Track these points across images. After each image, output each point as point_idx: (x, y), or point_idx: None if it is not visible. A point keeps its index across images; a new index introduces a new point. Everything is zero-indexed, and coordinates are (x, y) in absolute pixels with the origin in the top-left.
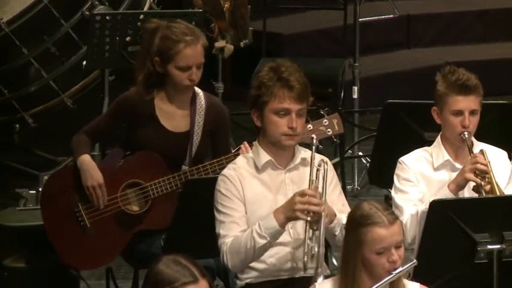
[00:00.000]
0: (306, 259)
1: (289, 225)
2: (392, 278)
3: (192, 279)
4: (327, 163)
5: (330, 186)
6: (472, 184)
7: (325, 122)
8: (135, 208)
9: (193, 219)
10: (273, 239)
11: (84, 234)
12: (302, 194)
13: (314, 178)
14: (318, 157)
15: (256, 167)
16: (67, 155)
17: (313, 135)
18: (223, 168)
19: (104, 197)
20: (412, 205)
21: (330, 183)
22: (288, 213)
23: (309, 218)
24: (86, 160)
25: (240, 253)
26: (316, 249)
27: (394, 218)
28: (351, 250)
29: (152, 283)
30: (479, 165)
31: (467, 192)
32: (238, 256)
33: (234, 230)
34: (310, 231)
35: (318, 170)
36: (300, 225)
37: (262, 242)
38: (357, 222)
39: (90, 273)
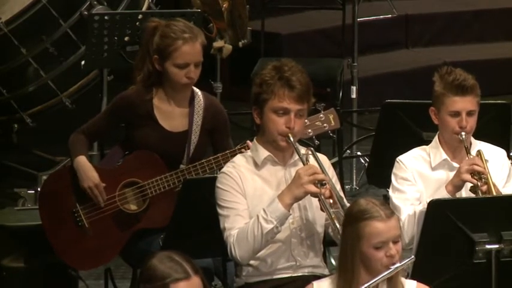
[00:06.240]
0: (338, 225)
1: (290, 220)
2: (390, 273)
3: (185, 276)
4: (313, 151)
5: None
6: (469, 185)
7: (322, 117)
8: (133, 207)
9: (191, 218)
10: (280, 223)
11: (83, 234)
12: (306, 168)
13: (305, 160)
14: (303, 148)
15: (255, 164)
16: (65, 155)
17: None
18: (220, 166)
19: (102, 195)
20: (410, 205)
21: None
22: (296, 191)
23: (319, 190)
24: (82, 161)
25: (248, 242)
26: (342, 213)
27: (391, 213)
28: (349, 246)
29: (146, 278)
30: (475, 167)
31: (465, 193)
32: (246, 245)
33: (239, 222)
34: (327, 202)
35: (307, 155)
36: (299, 221)
37: (269, 227)
38: (354, 217)
39: (88, 273)
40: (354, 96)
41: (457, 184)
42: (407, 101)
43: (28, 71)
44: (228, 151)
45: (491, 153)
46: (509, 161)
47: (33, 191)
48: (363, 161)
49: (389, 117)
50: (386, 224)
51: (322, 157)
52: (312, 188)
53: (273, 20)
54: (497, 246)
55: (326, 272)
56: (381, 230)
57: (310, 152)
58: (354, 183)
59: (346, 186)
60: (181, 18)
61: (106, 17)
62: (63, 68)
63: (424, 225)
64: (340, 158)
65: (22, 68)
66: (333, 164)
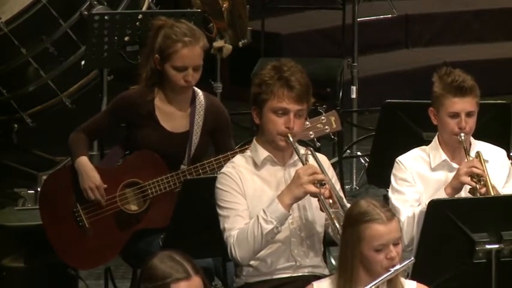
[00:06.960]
0: (337, 225)
1: (289, 220)
2: (390, 275)
3: (185, 276)
4: (312, 151)
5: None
6: (469, 186)
7: (323, 120)
8: (134, 207)
9: (191, 218)
10: (280, 223)
11: (83, 234)
12: (305, 168)
13: (304, 160)
14: (302, 148)
15: (255, 165)
16: (65, 155)
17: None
18: (221, 166)
19: (102, 197)
20: (409, 206)
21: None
22: (296, 191)
23: (318, 190)
24: (83, 162)
25: (248, 243)
26: (342, 213)
27: (392, 215)
28: (349, 247)
29: (146, 277)
30: (474, 169)
31: (464, 195)
32: (247, 246)
33: (239, 222)
34: (326, 202)
35: (306, 155)
36: (299, 221)
37: (269, 227)
38: (354, 219)
39: (88, 273)
40: (354, 96)
41: (456, 186)
42: (407, 101)
43: (28, 71)
44: (229, 152)
45: (491, 153)
46: (509, 161)
47: (33, 191)
48: (363, 161)
49: (390, 117)
50: (387, 227)
51: (322, 157)
52: (312, 188)
53: (273, 20)
54: (497, 246)
55: (326, 272)
56: (382, 233)
57: (309, 152)
58: (354, 183)
59: (346, 186)
60: (185, 21)
61: (106, 17)
62: (63, 68)
63: (424, 225)
64: (340, 158)
65: (22, 68)
66: (333, 164)
